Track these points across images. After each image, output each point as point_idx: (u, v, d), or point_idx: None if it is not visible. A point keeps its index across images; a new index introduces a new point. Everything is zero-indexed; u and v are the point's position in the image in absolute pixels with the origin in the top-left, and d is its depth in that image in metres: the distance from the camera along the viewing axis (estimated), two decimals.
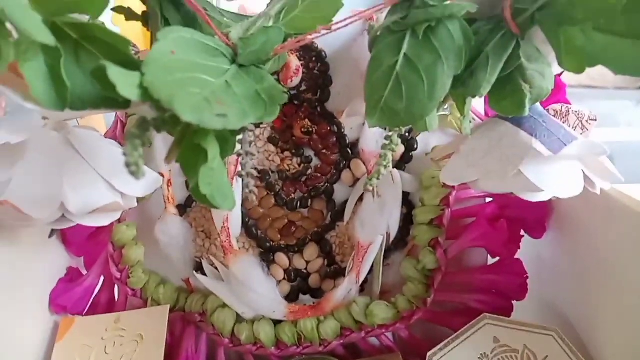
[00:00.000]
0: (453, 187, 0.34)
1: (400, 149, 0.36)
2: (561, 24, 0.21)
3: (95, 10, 0.21)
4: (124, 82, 0.19)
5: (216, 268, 0.35)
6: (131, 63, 0.22)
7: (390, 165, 0.27)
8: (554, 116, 0.32)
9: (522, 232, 0.35)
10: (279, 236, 0.36)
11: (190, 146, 0.22)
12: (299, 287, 0.36)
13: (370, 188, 0.27)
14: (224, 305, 0.35)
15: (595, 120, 0.30)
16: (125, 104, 0.23)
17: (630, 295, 0.26)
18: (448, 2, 0.23)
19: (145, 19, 0.28)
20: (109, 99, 0.23)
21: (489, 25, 0.24)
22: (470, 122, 0.29)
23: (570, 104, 0.33)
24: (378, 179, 0.27)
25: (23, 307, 0.32)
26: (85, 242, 0.36)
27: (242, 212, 0.35)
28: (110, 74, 0.18)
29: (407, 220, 0.36)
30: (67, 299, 0.34)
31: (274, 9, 0.26)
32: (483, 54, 0.24)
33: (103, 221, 0.28)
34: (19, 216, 0.25)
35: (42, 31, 0.20)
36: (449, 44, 0.23)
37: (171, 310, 0.34)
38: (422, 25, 0.23)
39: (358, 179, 0.36)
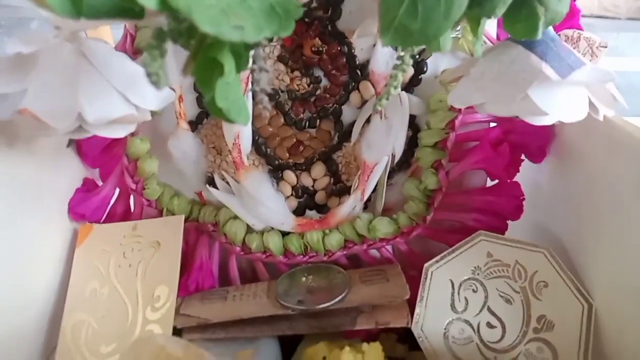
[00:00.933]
0: (459, 111, 0.35)
1: (410, 71, 0.36)
2: None
3: None
4: None
5: (227, 182, 0.37)
6: None
7: (400, 86, 0.28)
8: (565, 41, 0.32)
9: (522, 157, 0.36)
10: (288, 154, 0.37)
11: (206, 60, 0.22)
12: (306, 203, 0.38)
13: (379, 109, 0.27)
14: (235, 217, 0.37)
15: (606, 47, 0.30)
16: (140, 13, 0.23)
17: (624, 224, 0.28)
18: None
19: None
20: (125, 9, 0.23)
21: None
22: (482, 45, 0.29)
23: (582, 29, 0.32)
24: (387, 99, 0.27)
25: (44, 215, 0.34)
26: (100, 154, 0.37)
27: (252, 130, 0.36)
28: None
29: (411, 143, 0.37)
30: (85, 208, 0.36)
31: None
32: None
33: (119, 133, 0.29)
34: (38, 125, 0.26)
35: None
36: None
37: (185, 220, 0.36)
38: None
39: (366, 101, 0.36)
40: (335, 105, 0.36)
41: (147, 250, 0.35)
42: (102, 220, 0.37)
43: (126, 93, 0.28)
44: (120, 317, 0.33)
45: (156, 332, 0.32)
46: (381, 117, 0.34)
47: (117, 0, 0.22)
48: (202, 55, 0.22)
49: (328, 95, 0.36)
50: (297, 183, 0.38)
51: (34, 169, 0.32)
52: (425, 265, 0.33)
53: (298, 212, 0.38)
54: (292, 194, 0.38)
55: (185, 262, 0.36)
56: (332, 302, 0.31)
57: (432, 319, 0.32)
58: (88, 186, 0.37)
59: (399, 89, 0.29)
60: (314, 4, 0.35)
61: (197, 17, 0.19)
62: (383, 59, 0.34)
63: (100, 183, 0.39)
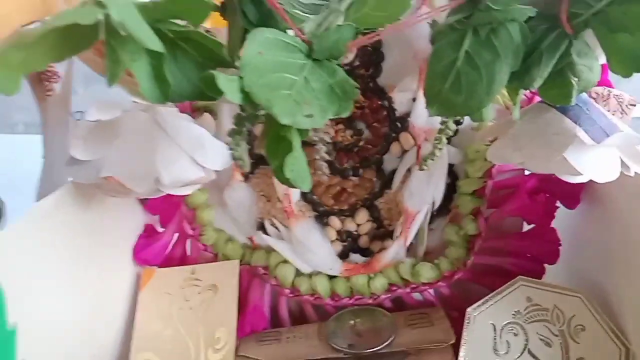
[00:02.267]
0: None
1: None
2: (613, 30, 0.23)
3: (197, 18, 0.23)
4: (230, 88, 0.22)
5: (277, 228, 0.39)
6: (223, 62, 0.26)
7: (444, 147, 0.30)
8: (596, 99, 0.34)
9: (557, 203, 0.38)
10: (333, 201, 0.40)
11: (276, 138, 0.25)
12: (350, 246, 0.40)
13: (425, 168, 0.30)
14: (285, 261, 0.39)
15: (635, 105, 0.32)
16: (205, 97, 0.27)
17: None
18: (510, 7, 0.25)
19: (223, 9, 0.31)
20: (202, 94, 0.26)
21: (544, 25, 0.26)
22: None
23: (612, 86, 0.35)
24: (433, 160, 0.30)
25: (112, 259, 0.38)
26: (160, 202, 0.40)
27: None
28: (219, 82, 0.22)
29: (449, 190, 0.39)
30: (147, 253, 0.39)
31: (343, 4, 0.28)
32: (537, 51, 0.26)
33: (188, 191, 0.32)
34: (122, 190, 0.29)
35: (152, 39, 0.23)
36: (508, 44, 0.25)
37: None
38: (486, 27, 0.25)
39: (406, 151, 0.39)
40: (376, 155, 0.39)
41: (206, 293, 0.38)
42: (161, 263, 0.40)
43: (194, 156, 0.31)
44: (183, 357, 0.35)
45: None
46: (420, 167, 0.37)
47: (198, 88, 0.26)
48: (273, 134, 0.25)
49: (370, 146, 0.39)
50: (342, 228, 0.40)
51: (104, 217, 0.36)
52: (468, 310, 0.35)
53: (342, 255, 0.40)
54: (336, 238, 0.40)
55: (240, 303, 0.38)
56: (381, 346, 0.34)
57: None
58: (149, 232, 0.41)
59: (444, 150, 0.31)
60: (357, 63, 0.38)
61: (277, 111, 0.22)
62: (423, 114, 0.37)
63: (159, 228, 0.42)
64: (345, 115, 0.25)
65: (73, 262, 0.32)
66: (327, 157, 0.30)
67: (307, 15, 0.30)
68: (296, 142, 0.25)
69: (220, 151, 0.33)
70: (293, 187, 0.26)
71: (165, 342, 0.36)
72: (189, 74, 0.26)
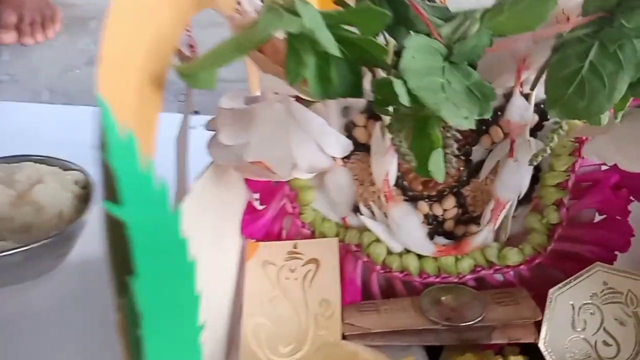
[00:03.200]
0: (579, 155, 0.40)
1: (535, 118, 0.41)
2: None
3: (371, 28, 0.26)
4: (401, 91, 0.25)
5: (371, 210, 0.43)
6: (385, 66, 0.29)
7: (555, 145, 0.33)
8: None
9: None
10: (421, 187, 0.43)
11: (422, 135, 0.28)
12: (435, 229, 0.44)
13: (536, 163, 0.33)
14: (378, 240, 0.43)
15: None
16: (361, 94, 0.30)
17: None
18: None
19: None
20: (353, 92, 0.29)
21: None
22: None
23: None
24: (543, 156, 0.33)
25: (229, 234, 0.41)
26: (263, 182, 0.44)
27: None
28: (396, 86, 0.25)
29: (533, 181, 0.42)
30: (253, 228, 0.43)
31: (478, 12, 0.31)
32: None
33: (311, 175, 0.36)
34: (264, 173, 0.33)
35: (334, 46, 0.26)
36: (632, 57, 0.28)
37: None
38: (616, 42, 0.28)
39: (495, 143, 0.42)
40: (466, 146, 0.42)
41: (309, 266, 0.41)
42: (263, 238, 0.44)
43: (320, 144, 0.34)
44: (292, 322, 0.39)
45: (327, 339, 0.38)
46: (514, 160, 0.40)
47: (352, 87, 0.29)
48: (420, 132, 0.28)
49: (461, 137, 0.42)
50: (429, 212, 0.44)
51: (226, 195, 0.39)
52: (550, 290, 0.39)
53: (428, 237, 0.44)
54: (423, 221, 0.44)
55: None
56: (476, 320, 0.38)
57: (555, 336, 0.38)
58: (251, 209, 0.44)
59: (554, 147, 0.34)
60: None
61: (445, 114, 0.25)
62: (518, 110, 0.40)
63: (257, 205, 0.45)
64: (488, 116, 0.28)
65: (211, 237, 0.36)
66: (457, 152, 0.33)
67: (438, 19, 0.33)
68: (438, 137, 0.29)
69: (339, 139, 0.36)
70: (431, 177, 0.29)
71: (275, 309, 0.40)
72: (345, 74, 0.29)
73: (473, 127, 0.26)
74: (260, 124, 0.34)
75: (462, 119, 0.25)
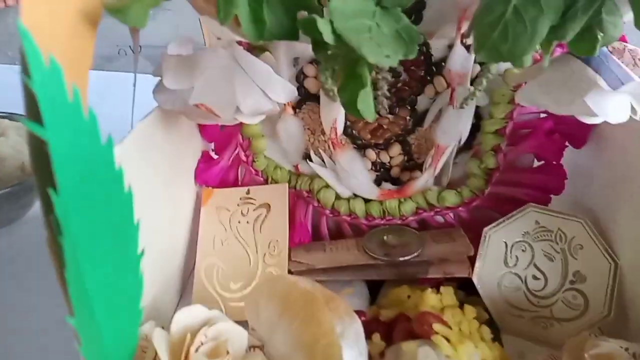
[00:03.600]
0: (517, 103, 0.42)
1: (476, 68, 0.43)
2: None
3: None
4: (326, 30, 0.27)
5: (321, 158, 0.45)
6: (312, 8, 0.30)
7: (482, 88, 0.35)
8: (612, 52, 0.39)
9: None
10: (369, 136, 0.45)
11: (352, 75, 0.30)
12: (383, 176, 0.46)
13: (466, 105, 0.35)
14: (327, 186, 0.45)
15: None
16: (295, 37, 0.31)
17: None
18: None
19: None
20: (287, 34, 0.31)
21: None
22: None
23: (627, 41, 0.39)
24: (472, 99, 0.35)
25: (181, 178, 0.43)
26: (217, 132, 0.45)
27: None
28: (320, 25, 0.26)
29: (474, 129, 0.44)
30: (207, 176, 0.45)
31: None
32: (574, 9, 0.31)
33: (256, 120, 0.37)
34: (208, 116, 0.34)
35: None
36: (552, 2, 0.30)
37: None
38: None
39: (439, 93, 0.44)
40: (411, 95, 0.44)
41: (260, 210, 0.43)
42: (218, 185, 0.46)
43: (265, 89, 0.36)
44: (243, 262, 0.42)
45: (275, 274, 0.40)
46: (454, 108, 0.42)
47: (286, 29, 0.30)
48: (349, 71, 0.30)
49: (406, 87, 0.44)
50: (376, 159, 0.46)
51: (178, 141, 0.41)
52: (485, 229, 0.41)
53: (376, 183, 0.46)
54: (371, 169, 0.46)
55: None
56: (413, 255, 0.40)
57: (488, 271, 0.41)
58: (205, 158, 0.46)
59: (483, 90, 0.36)
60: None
61: (365, 52, 0.26)
62: (459, 60, 0.41)
63: (213, 155, 0.47)
64: (412, 57, 0.29)
65: (158, 175, 0.37)
66: (387, 94, 0.35)
67: None
68: (367, 78, 0.30)
69: (284, 86, 0.37)
70: (361, 117, 0.31)
71: (227, 250, 0.42)
72: (280, 17, 0.30)
73: (394, 64, 0.27)
74: (205, 69, 0.35)
75: (383, 57, 0.27)
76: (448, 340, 0.33)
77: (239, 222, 0.43)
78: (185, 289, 0.43)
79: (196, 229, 0.43)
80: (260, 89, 0.35)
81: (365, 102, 0.31)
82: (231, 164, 0.46)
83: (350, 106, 0.30)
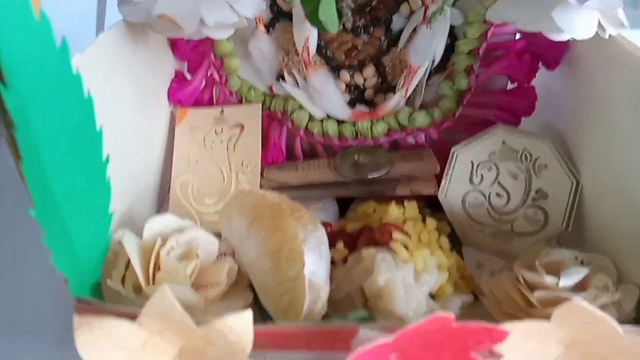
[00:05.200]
0: (492, 23, 0.42)
1: None
2: None
3: None
4: None
5: (294, 78, 0.45)
6: None
7: (449, 3, 0.35)
8: None
9: (539, 65, 0.44)
10: (344, 57, 0.45)
11: None
12: (357, 97, 0.46)
13: (435, 23, 0.35)
14: (301, 107, 0.45)
15: None
16: None
17: (613, 124, 0.36)
18: None
19: None
20: None
21: None
22: None
23: None
24: (441, 14, 0.35)
25: (155, 97, 0.43)
26: (190, 50, 0.45)
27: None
28: None
29: (448, 50, 0.44)
30: (181, 95, 0.45)
31: None
32: None
33: (223, 35, 0.37)
34: (172, 28, 0.34)
35: None
36: None
37: None
38: None
39: (413, 12, 0.43)
40: (386, 14, 0.43)
41: (234, 130, 0.44)
42: (192, 105, 0.46)
43: (231, 3, 0.35)
44: (217, 179, 0.43)
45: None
46: (427, 27, 0.41)
47: None
48: None
49: (381, 6, 0.43)
50: (350, 81, 0.46)
51: (147, 57, 0.41)
52: (453, 148, 0.42)
53: (350, 104, 0.46)
54: (345, 91, 0.46)
55: (261, 141, 0.45)
56: (380, 173, 0.41)
57: (453, 189, 0.42)
58: (179, 77, 0.46)
59: (448, 11, 0.36)
60: None
61: None
62: None
63: (187, 74, 0.47)
64: None
65: (129, 90, 0.38)
66: (352, 5, 0.34)
67: None
68: None
69: (251, 0, 0.37)
70: (324, 29, 0.31)
71: (201, 168, 0.43)
72: None
73: None
74: None
75: None
76: (406, 247, 0.35)
77: (213, 141, 0.44)
78: (162, 205, 0.45)
79: (171, 148, 0.44)
80: (225, 1, 0.35)
81: (328, 13, 0.30)
82: (205, 85, 0.46)
83: (312, 17, 0.30)
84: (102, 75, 0.33)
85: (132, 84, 0.38)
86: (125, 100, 0.37)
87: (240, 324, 0.26)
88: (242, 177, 0.42)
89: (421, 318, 0.32)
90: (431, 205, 0.44)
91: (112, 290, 0.31)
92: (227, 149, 0.44)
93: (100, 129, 0.29)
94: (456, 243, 0.41)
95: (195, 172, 0.43)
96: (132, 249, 0.32)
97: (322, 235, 0.34)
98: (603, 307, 0.31)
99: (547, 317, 0.32)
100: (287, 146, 0.47)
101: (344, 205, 0.44)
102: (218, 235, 0.37)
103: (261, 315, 0.34)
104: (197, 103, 0.47)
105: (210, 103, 0.47)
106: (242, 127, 0.44)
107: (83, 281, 0.30)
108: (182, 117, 0.45)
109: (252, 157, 0.43)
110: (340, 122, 0.46)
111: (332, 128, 0.45)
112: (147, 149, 0.42)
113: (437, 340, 0.26)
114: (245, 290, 0.35)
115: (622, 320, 0.31)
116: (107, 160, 0.30)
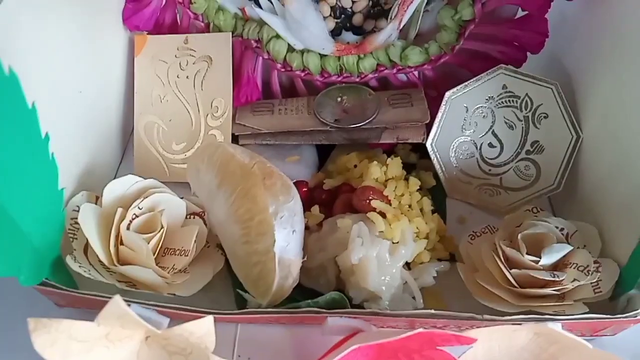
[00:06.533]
0: None
1: None
2: None
3: None
4: None
5: (271, 2, 0.38)
6: None
7: None
8: None
9: None
10: None
11: None
12: (343, 24, 0.40)
13: None
14: (278, 36, 0.39)
15: None
16: None
17: (629, 69, 0.31)
18: None
19: None
20: None
21: None
22: None
23: None
24: None
25: (106, 22, 0.37)
26: None
27: None
28: None
29: None
30: (138, 18, 0.39)
31: None
32: None
33: None
34: None
35: None
36: None
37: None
38: None
39: None
40: None
41: (201, 64, 0.39)
42: (152, 30, 0.40)
43: None
44: (184, 121, 0.39)
45: (218, 138, 0.38)
46: None
47: None
48: None
49: None
50: (336, 4, 0.39)
51: None
52: (447, 93, 0.38)
53: (335, 32, 0.40)
54: (330, 15, 0.39)
55: (233, 77, 0.40)
56: (364, 122, 0.37)
57: (444, 137, 0.39)
58: None
59: None
60: None
61: None
62: None
63: None
64: None
65: (70, 30, 0.32)
66: None
67: None
68: None
69: None
70: None
71: (166, 108, 0.39)
72: None
73: None
74: None
75: None
76: (385, 216, 0.33)
77: (178, 76, 0.39)
78: (127, 151, 0.41)
79: (132, 83, 0.39)
80: None
81: None
82: (165, 5, 0.40)
83: None
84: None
85: (77, 9, 0.32)
86: (69, 33, 0.32)
87: (201, 328, 0.25)
88: (212, 122, 0.38)
89: (394, 290, 0.32)
90: (419, 149, 0.41)
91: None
92: (194, 86, 0.39)
93: (34, 106, 0.25)
94: (440, 194, 0.39)
95: (160, 112, 0.39)
96: (88, 224, 0.30)
97: (294, 204, 0.31)
98: (580, 289, 0.31)
99: (522, 296, 0.31)
100: (263, 81, 0.42)
101: (325, 152, 0.41)
102: (188, 185, 0.35)
103: (232, 279, 0.33)
104: (157, 28, 0.40)
105: (172, 28, 0.41)
106: (209, 60, 0.39)
107: (39, 266, 0.28)
108: (141, 45, 0.39)
109: (223, 96, 0.39)
110: (322, 56, 0.40)
111: (313, 62, 0.40)
112: (102, 87, 0.37)
113: (411, 345, 0.26)
114: (216, 252, 0.34)
115: (598, 301, 0.31)
116: (47, 137, 0.26)
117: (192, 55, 0.39)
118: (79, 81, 0.34)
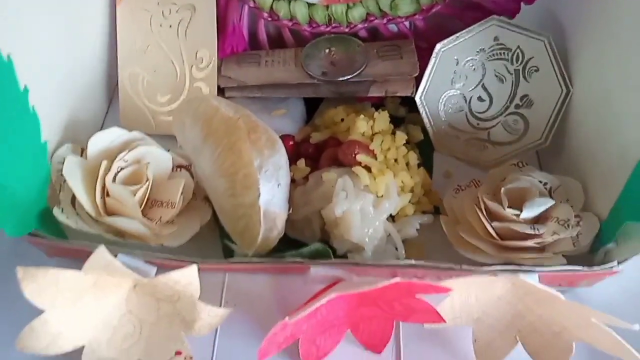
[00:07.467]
0: None
1: None
2: None
3: None
4: None
5: None
6: None
7: None
8: None
9: None
10: None
11: None
12: None
13: None
14: None
15: None
16: None
17: (622, 26, 0.31)
18: None
19: None
20: None
21: None
22: None
23: None
24: None
25: None
26: None
27: None
28: None
29: None
30: None
31: None
32: None
33: None
34: None
35: None
36: None
37: None
38: None
39: None
40: None
41: (185, 13, 0.38)
42: None
43: None
44: (169, 73, 0.38)
45: (204, 91, 0.38)
46: None
47: None
48: None
49: None
50: None
51: None
52: (437, 45, 0.37)
53: None
54: None
55: (218, 26, 0.39)
56: (352, 75, 0.37)
57: (433, 91, 0.38)
58: None
59: None
60: None
61: None
62: None
63: None
64: None
65: None
66: None
67: None
68: None
69: None
70: None
71: (150, 59, 0.38)
72: None
73: None
74: None
75: None
76: (370, 170, 0.33)
77: (161, 25, 0.38)
78: (113, 102, 0.41)
79: (115, 33, 0.38)
80: None
81: None
82: None
83: None
84: None
85: None
86: None
87: (185, 277, 0.26)
88: (197, 73, 0.38)
89: (377, 242, 0.33)
90: (408, 102, 0.40)
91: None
92: (178, 36, 0.38)
93: (9, 58, 0.24)
94: (428, 148, 0.39)
95: (143, 63, 0.38)
96: (74, 180, 0.30)
97: (279, 158, 0.31)
98: (560, 242, 0.32)
99: (502, 248, 0.32)
100: (249, 31, 0.41)
101: (313, 105, 0.40)
102: (174, 137, 0.35)
103: (220, 230, 0.34)
104: None
105: None
106: (193, 8, 0.38)
107: (24, 218, 0.28)
108: None
109: (207, 47, 0.38)
110: (310, 5, 0.39)
111: (301, 11, 0.39)
112: (84, 37, 0.36)
113: (388, 294, 0.26)
114: (203, 204, 0.35)
115: (578, 254, 0.31)
116: (26, 90, 0.26)
117: (175, 4, 0.38)
118: (59, 32, 0.33)
